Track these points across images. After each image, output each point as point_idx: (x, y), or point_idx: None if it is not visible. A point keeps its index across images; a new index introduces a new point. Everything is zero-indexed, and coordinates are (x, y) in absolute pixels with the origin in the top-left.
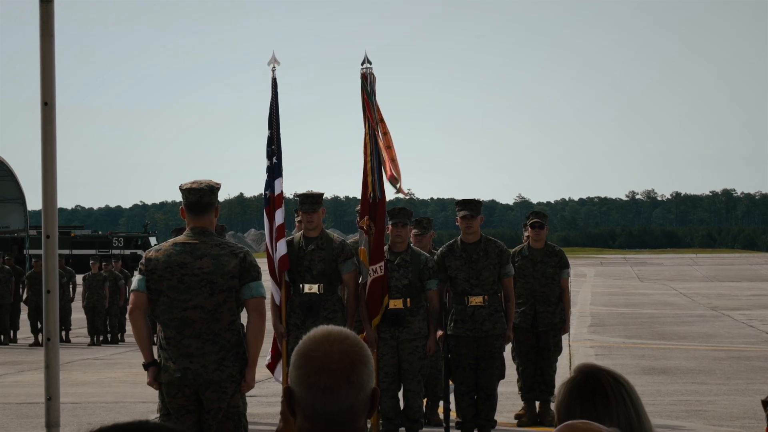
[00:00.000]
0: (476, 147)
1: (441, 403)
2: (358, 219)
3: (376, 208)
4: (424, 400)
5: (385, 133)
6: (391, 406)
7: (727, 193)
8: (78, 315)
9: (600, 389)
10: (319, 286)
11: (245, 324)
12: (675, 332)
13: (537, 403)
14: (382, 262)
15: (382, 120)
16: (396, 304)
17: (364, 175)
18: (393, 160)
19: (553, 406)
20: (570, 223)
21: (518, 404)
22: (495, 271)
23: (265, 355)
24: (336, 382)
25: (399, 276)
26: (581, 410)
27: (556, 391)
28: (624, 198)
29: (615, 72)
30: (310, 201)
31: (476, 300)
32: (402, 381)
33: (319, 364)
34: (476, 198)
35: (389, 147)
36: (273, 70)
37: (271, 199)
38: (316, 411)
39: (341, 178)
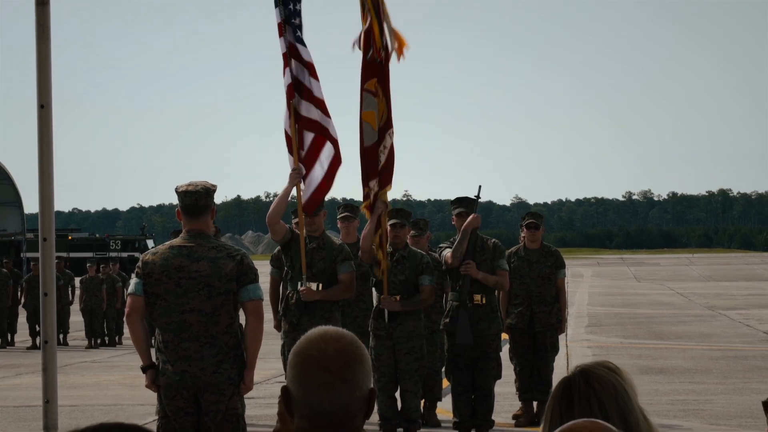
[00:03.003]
0: (473, 148)
1: (438, 403)
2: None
3: (382, 71)
4: (422, 401)
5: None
6: (388, 406)
7: (724, 193)
8: (75, 318)
9: (566, 393)
10: (317, 285)
11: (243, 325)
12: (672, 332)
13: (535, 404)
14: (392, 129)
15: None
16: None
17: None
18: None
19: None
20: (567, 224)
21: (516, 404)
22: (491, 268)
23: (264, 357)
24: (331, 381)
25: (396, 271)
26: (562, 414)
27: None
28: (621, 198)
29: (611, 72)
30: None
31: (474, 298)
32: (399, 381)
33: (314, 362)
34: (471, 196)
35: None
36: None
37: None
38: (312, 410)
39: (340, 181)
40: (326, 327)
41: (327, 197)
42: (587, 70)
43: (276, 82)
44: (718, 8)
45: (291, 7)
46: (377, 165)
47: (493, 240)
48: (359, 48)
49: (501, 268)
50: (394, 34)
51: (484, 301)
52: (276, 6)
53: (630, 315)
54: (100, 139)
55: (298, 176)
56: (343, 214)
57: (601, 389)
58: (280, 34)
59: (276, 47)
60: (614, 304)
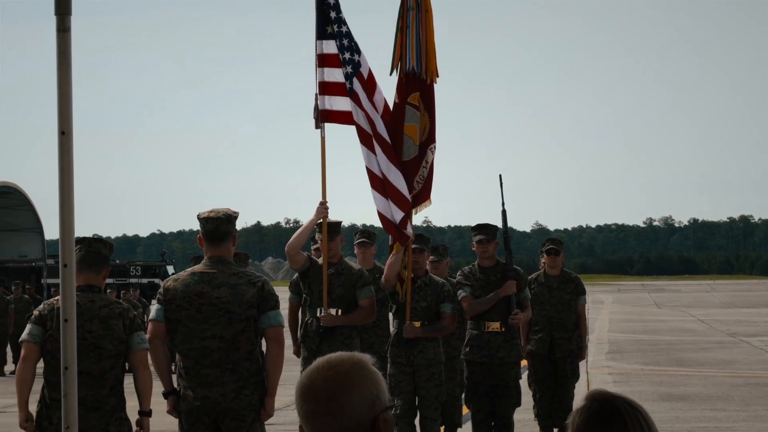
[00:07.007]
0: (492, 174)
1: (459, 430)
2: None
3: (424, 85)
4: (442, 428)
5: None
6: None
7: (745, 219)
8: None
9: (618, 416)
10: (336, 311)
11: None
12: (693, 359)
13: (555, 430)
14: (434, 144)
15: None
16: (416, 325)
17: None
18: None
19: None
20: (587, 250)
21: (536, 431)
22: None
23: (283, 383)
24: (315, 409)
25: (418, 298)
26: None
27: (569, 418)
28: (641, 225)
29: (632, 98)
30: (328, 230)
31: (493, 326)
32: (418, 408)
33: (302, 390)
34: (492, 223)
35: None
36: None
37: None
38: None
39: (358, 207)
40: (333, 355)
41: (346, 223)
42: (607, 98)
43: (296, 107)
44: (739, 35)
45: (343, 42)
46: (413, 180)
47: (517, 268)
48: (398, 64)
49: (526, 299)
50: (431, 57)
51: (503, 329)
52: (319, 39)
53: (651, 342)
54: (120, 166)
55: (324, 210)
56: (360, 240)
57: (648, 415)
58: (320, 65)
59: (294, 74)
60: (635, 331)
